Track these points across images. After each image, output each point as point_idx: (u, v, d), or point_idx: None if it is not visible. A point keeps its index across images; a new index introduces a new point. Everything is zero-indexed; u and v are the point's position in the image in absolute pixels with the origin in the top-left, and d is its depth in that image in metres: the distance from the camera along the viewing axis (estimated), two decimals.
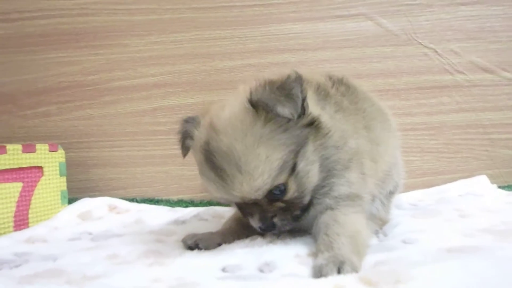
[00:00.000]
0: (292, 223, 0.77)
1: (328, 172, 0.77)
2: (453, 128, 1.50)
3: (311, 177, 0.74)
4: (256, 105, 0.70)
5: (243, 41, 1.53)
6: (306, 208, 0.78)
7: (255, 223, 0.77)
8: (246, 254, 0.73)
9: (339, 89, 0.90)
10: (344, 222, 0.72)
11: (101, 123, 1.56)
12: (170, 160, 1.54)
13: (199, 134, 0.77)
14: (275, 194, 0.73)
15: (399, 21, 1.49)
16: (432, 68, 1.50)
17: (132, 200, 1.48)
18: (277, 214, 0.75)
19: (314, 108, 0.76)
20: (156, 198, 1.52)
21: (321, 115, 0.76)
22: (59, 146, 1.31)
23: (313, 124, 0.74)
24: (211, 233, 0.86)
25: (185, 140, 0.83)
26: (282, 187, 0.72)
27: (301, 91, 0.70)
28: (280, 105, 0.68)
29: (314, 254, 0.70)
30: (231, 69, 1.53)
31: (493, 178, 1.43)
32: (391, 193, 1.03)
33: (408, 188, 1.40)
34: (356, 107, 0.89)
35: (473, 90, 1.49)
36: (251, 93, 0.71)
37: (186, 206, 1.44)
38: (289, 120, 0.71)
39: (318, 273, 0.60)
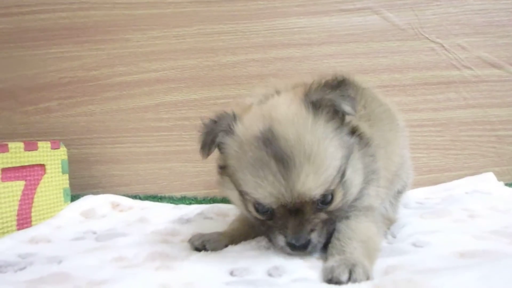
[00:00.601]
0: (324, 241, 0.71)
1: (364, 183, 0.76)
2: (460, 124, 1.48)
3: (355, 187, 0.73)
4: (317, 104, 0.69)
5: (247, 35, 1.50)
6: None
7: (285, 238, 0.69)
8: (254, 258, 0.72)
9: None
10: (356, 228, 0.71)
11: (103, 119, 1.54)
12: (173, 157, 1.52)
13: (251, 125, 0.70)
14: (322, 202, 0.69)
15: (406, 15, 1.46)
16: (439, 64, 1.47)
17: (135, 197, 1.47)
18: (316, 229, 0.69)
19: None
20: (159, 195, 1.51)
21: (359, 123, 0.76)
22: (61, 143, 1.29)
23: (355, 133, 0.74)
24: (218, 234, 0.84)
25: (216, 136, 0.73)
26: (330, 196, 0.69)
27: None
28: (344, 102, 0.68)
29: (324, 258, 0.69)
30: (235, 64, 1.51)
31: (500, 176, 1.41)
32: (399, 193, 1.02)
33: (414, 185, 1.36)
34: (366, 112, 0.86)
35: (480, 86, 1.47)
36: (309, 92, 0.70)
37: (190, 203, 1.42)
38: (343, 122, 0.71)
39: (329, 274, 0.59)
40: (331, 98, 0.69)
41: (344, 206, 0.73)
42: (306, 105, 0.69)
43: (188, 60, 1.51)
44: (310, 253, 0.71)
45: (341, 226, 0.72)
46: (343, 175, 0.70)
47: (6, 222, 1.07)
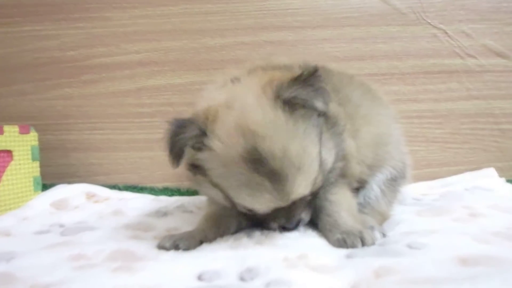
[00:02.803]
0: (310, 214, 0.79)
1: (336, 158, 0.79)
2: (461, 116, 1.39)
3: (329, 163, 0.76)
4: (290, 103, 0.69)
5: (236, 16, 1.40)
6: None
7: (281, 223, 0.76)
8: (228, 259, 0.65)
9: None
10: (337, 200, 0.79)
11: (80, 104, 1.44)
12: (155, 145, 1.42)
13: (230, 141, 0.67)
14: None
15: None
16: (441, 51, 1.38)
17: (114, 187, 1.38)
18: (304, 209, 0.76)
19: None
20: (140, 185, 1.42)
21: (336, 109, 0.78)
22: (32, 128, 1.19)
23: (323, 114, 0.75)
24: (190, 232, 0.78)
25: (185, 147, 0.70)
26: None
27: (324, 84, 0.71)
28: (316, 99, 0.69)
29: (304, 257, 0.64)
30: (223, 47, 1.41)
31: (502, 171, 1.33)
32: (393, 180, 0.93)
33: (412, 179, 1.30)
34: (339, 96, 0.86)
35: (484, 76, 1.38)
36: (280, 90, 0.69)
37: (172, 195, 1.34)
38: (319, 113, 0.72)
39: (344, 244, 0.70)
40: (304, 98, 0.69)
41: (322, 183, 0.77)
42: (281, 107, 0.69)
43: (172, 42, 1.41)
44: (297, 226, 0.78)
45: (325, 203, 0.78)
46: (320, 160, 0.72)
47: None
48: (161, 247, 0.71)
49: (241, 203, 0.71)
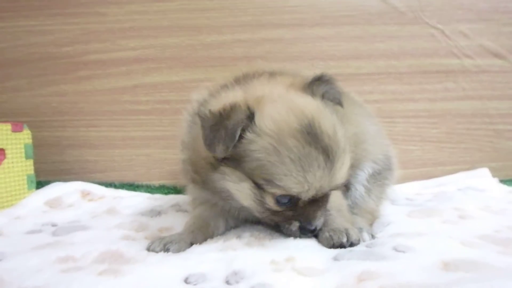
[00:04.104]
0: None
1: None
2: (457, 116, 1.40)
3: None
4: (323, 97, 0.77)
5: (234, 13, 1.39)
6: None
7: (299, 224, 0.74)
8: (216, 261, 0.65)
9: None
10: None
11: (76, 100, 1.43)
12: (151, 142, 1.42)
13: (283, 120, 0.68)
14: None
15: None
16: (438, 51, 1.38)
17: (109, 185, 1.38)
18: (324, 211, 0.77)
19: None
20: (136, 183, 1.42)
21: None
22: (25, 125, 1.18)
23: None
24: (180, 234, 0.78)
25: (237, 132, 0.68)
26: None
27: None
28: (339, 96, 0.79)
29: (292, 259, 0.64)
30: (220, 45, 1.40)
31: (495, 171, 1.34)
32: (378, 174, 0.92)
33: (406, 178, 1.32)
34: None
35: (481, 76, 1.38)
36: (313, 87, 0.77)
37: (168, 193, 1.34)
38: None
39: (331, 241, 0.72)
40: (333, 94, 0.77)
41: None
42: (318, 99, 0.75)
43: (169, 38, 1.40)
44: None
45: None
46: None
47: None
48: (151, 250, 0.71)
49: (287, 185, 0.67)
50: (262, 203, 0.72)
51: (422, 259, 0.62)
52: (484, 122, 1.39)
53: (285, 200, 0.71)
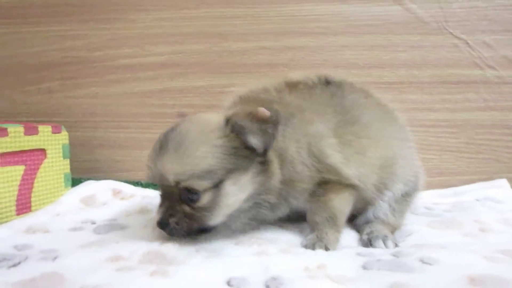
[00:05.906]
0: (185, 233, 0.79)
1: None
2: (476, 127, 1.41)
3: (232, 203, 0.79)
4: (228, 123, 0.78)
5: (258, 21, 1.42)
6: (207, 229, 0.81)
7: (157, 215, 0.82)
8: (253, 266, 0.69)
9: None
10: (322, 207, 0.85)
11: (106, 103, 1.49)
12: None
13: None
14: (188, 197, 0.77)
15: (430, 7, 1.37)
16: (461, 61, 1.39)
17: (136, 183, 1.44)
18: (176, 215, 0.78)
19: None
20: None
21: (273, 160, 0.81)
22: (63, 127, 1.25)
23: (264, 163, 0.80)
24: None
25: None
26: (196, 196, 0.77)
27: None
28: (254, 136, 0.75)
29: (323, 267, 0.69)
30: (244, 51, 1.44)
31: None
32: (406, 195, 0.96)
33: (424, 187, 1.34)
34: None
35: (502, 87, 1.39)
36: (234, 114, 0.79)
37: None
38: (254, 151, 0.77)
39: (304, 245, 0.81)
40: (242, 126, 0.76)
41: (213, 213, 0.78)
42: (224, 120, 0.79)
43: (195, 45, 1.45)
44: (170, 235, 0.80)
45: (312, 205, 0.86)
46: (218, 184, 0.76)
47: (6, 207, 1.06)
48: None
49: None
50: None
51: (449, 273, 0.64)
52: (504, 133, 1.40)
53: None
